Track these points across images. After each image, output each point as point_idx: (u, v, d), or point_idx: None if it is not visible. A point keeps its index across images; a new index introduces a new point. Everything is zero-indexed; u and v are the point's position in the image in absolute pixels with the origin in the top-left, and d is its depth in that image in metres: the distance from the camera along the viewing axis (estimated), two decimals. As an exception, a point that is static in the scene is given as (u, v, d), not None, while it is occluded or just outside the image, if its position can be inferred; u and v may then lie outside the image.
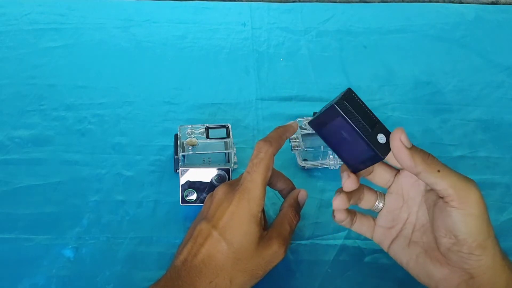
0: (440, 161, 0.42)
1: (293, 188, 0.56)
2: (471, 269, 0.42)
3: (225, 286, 0.46)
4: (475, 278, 0.42)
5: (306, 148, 0.62)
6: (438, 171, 0.41)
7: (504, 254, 0.43)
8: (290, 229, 0.51)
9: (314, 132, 0.62)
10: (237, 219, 0.47)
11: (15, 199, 0.60)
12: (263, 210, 0.50)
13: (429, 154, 0.42)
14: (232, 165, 0.61)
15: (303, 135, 0.63)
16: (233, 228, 0.46)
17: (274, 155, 0.49)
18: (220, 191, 0.50)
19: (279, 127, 0.51)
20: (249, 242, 0.47)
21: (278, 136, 0.50)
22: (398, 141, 0.41)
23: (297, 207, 0.53)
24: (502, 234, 0.57)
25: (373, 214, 0.50)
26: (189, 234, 0.50)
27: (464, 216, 0.41)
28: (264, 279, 0.49)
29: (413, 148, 0.42)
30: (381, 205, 0.48)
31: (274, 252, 0.48)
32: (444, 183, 0.41)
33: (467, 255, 0.42)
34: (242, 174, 0.52)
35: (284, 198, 0.56)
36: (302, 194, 0.54)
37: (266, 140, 0.49)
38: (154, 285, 0.46)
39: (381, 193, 0.49)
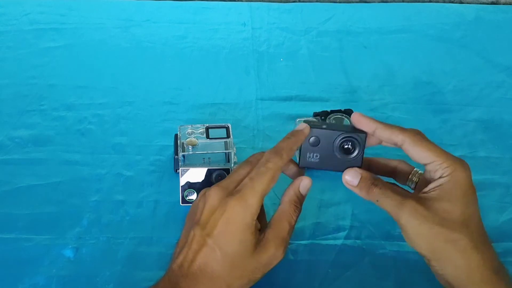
0: (380, 187, 0.47)
1: (298, 169, 0.52)
2: (443, 276, 0.45)
3: None
4: (455, 287, 0.44)
5: (306, 148, 0.62)
6: (377, 200, 0.47)
7: (491, 266, 0.44)
8: (289, 226, 0.48)
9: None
10: (232, 227, 0.45)
11: (15, 199, 0.60)
12: (261, 212, 0.50)
13: (369, 186, 0.47)
14: (232, 165, 0.61)
15: (303, 135, 0.63)
16: (227, 237, 0.45)
17: (282, 168, 0.48)
18: (213, 195, 0.47)
19: (290, 136, 0.49)
20: (244, 250, 0.45)
21: (289, 148, 0.48)
22: (348, 184, 0.48)
23: (297, 200, 0.49)
24: (502, 234, 0.58)
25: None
26: (184, 237, 0.48)
27: (403, 233, 0.46)
28: (264, 280, 0.49)
29: (359, 184, 0.48)
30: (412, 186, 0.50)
31: (271, 255, 0.46)
32: (385, 210, 0.47)
33: (430, 265, 0.46)
34: (236, 171, 0.50)
35: (288, 176, 0.52)
36: (304, 183, 0.49)
37: (277, 152, 0.47)
38: (153, 287, 0.46)
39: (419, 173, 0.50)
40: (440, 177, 0.46)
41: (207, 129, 0.61)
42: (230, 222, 0.45)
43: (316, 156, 0.50)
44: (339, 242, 0.56)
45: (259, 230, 0.48)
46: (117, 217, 0.58)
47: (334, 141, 0.49)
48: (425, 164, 0.47)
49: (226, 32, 0.88)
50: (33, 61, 0.80)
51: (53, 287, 0.51)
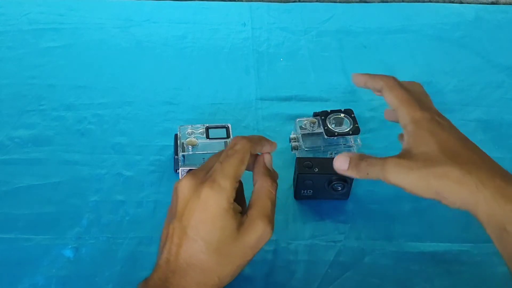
0: (365, 160, 0.46)
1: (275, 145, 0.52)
2: (459, 208, 0.43)
3: (214, 283, 0.44)
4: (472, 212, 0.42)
5: (306, 148, 0.62)
6: (367, 174, 0.46)
7: (493, 182, 0.41)
8: (271, 202, 0.47)
9: (314, 132, 0.62)
10: (209, 215, 0.44)
11: (15, 199, 0.60)
12: (240, 195, 0.49)
13: (357, 163, 0.47)
14: (232, 165, 0.61)
15: (303, 135, 0.63)
16: (206, 225, 0.44)
17: (250, 152, 0.48)
18: (184, 186, 0.45)
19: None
20: (227, 235, 0.44)
21: (258, 139, 0.49)
22: (340, 171, 0.47)
23: (270, 173, 0.49)
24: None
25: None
26: (165, 230, 0.47)
27: (405, 190, 0.44)
28: (264, 279, 0.49)
29: (349, 166, 0.47)
30: None
31: (260, 235, 0.45)
32: (377, 179, 0.46)
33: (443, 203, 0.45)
34: (207, 162, 0.50)
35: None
36: (267, 157, 0.51)
37: (244, 136, 0.48)
38: (143, 283, 0.44)
39: None
40: (405, 125, 0.48)
41: (207, 129, 0.61)
42: (206, 209, 0.44)
43: (310, 191, 0.59)
44: (339, 242, 0.56)
45: (240, 213, 0.46)
46: (117, 217, 0.58)
47: (326, 182, 0.57)
48: (395, 110, 0.49)
49: (226, 32, 0.88)
50: (33, 61, 0.80)
51: (53, 287, 0.51)
